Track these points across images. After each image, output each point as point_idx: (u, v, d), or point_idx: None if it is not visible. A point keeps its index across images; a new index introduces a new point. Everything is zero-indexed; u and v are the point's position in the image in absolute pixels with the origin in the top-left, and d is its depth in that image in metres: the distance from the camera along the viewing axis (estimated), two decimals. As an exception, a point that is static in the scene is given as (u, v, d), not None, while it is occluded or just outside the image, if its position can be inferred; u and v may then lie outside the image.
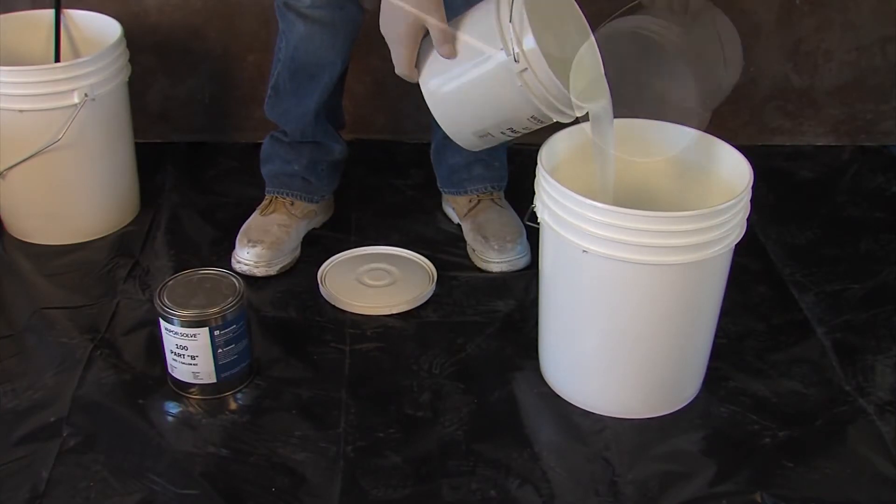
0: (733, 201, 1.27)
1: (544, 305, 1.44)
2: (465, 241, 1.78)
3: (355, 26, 1.64)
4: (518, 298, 1.65)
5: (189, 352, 1.39)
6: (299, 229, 1.75)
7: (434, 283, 1.67)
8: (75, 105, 1.65)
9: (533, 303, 1.51)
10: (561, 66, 1.23)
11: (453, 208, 1.83)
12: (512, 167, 1.82)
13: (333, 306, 1.63)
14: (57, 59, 1.80)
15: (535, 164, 1.35)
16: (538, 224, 1.37)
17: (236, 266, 1.68)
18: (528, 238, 1.72)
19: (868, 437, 1.38)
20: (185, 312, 1.38)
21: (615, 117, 1.31)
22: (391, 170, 2.03)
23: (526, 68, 1.20)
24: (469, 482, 1.30)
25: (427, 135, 1.85)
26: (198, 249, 1.77)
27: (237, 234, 1.72)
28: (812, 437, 1.38)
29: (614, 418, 1.40)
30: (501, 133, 1.30)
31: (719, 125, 1.39)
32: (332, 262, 1.72)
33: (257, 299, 1.63)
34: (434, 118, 1.32)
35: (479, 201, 1.78)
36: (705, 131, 1.40)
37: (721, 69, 1.31)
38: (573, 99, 1.23)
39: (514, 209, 1.78)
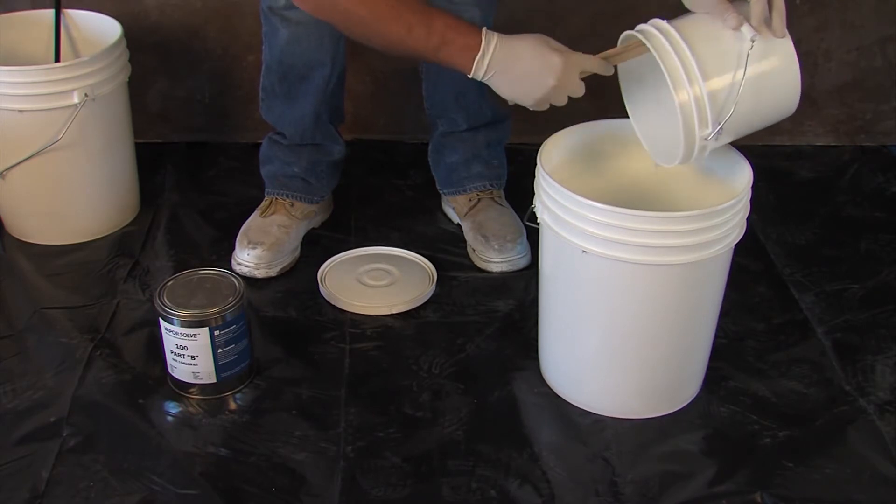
0: (733, 201, 1.27)
1: (544, 305, 1.44)
2: (465, 241, 1.77)
3: None
4: (518, 298, 1.65)
5: (189, 352, 1.39)
6: (299, 230, 1.75)
7: (434, 283, 1.67)
8: (75, 105, 1.65)
9: (533, 303, 1.51)
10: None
11: (453, 208, 1.83)
12: (512, 167, 1.82)
13: (333, 306, 1.63)
14: (57, 59, 1.80)
15: (535, 164, 1.35)
16: (538, 224, 1.37)
17: (237, 267, 1.68)
18: (528, 238, 1.72)
19: (868, 437, 1.38)
20: (185, 312, 1.38)
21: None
22: (391, 170, 2.03)
23: None
24: (469, 482, 1.30)
25: (427, 135, 1.85)
26: (198, 249, 1.77)
27: (237, 234, 1.72)
28: (812, 437, 1.38)
29: (614, 418, 1.40)
30: None
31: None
32: (332, 262, 1.72)
33: (257, 299, 1.63)
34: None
35: (479, 200, 1.78)
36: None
37: None
38: None
39: (514, 209, 1.77)
